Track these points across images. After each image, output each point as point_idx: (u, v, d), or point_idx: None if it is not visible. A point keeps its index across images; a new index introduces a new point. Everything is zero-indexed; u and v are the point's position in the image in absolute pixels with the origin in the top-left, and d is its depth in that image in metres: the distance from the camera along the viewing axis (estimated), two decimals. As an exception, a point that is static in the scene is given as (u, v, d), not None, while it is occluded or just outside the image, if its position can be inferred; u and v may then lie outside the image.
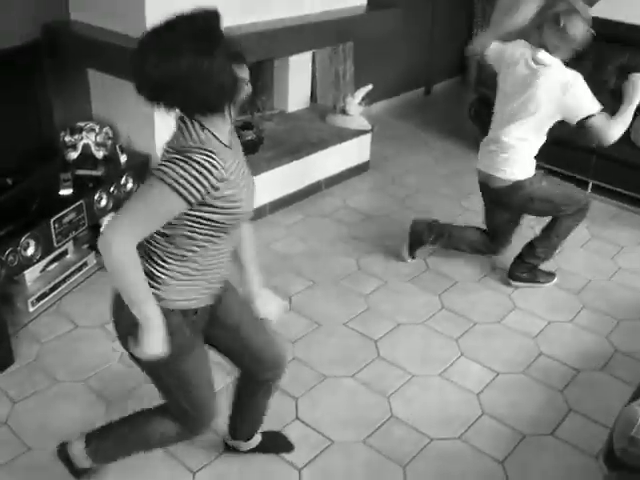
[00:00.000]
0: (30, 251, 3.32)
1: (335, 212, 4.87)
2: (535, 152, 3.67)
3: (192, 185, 1.80)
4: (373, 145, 5.50)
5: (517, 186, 3.66)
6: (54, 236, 3.45)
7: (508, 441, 3.01)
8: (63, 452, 2.52)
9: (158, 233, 1.98)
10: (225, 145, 1.95)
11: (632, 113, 3.52)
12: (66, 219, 3.50)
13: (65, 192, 3.59)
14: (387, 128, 6.22)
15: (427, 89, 7.46)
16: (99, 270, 3.94)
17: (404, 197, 5.14)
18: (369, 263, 4.26)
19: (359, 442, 2.96)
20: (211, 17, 1.82)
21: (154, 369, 2.18)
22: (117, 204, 3.82)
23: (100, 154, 3.91)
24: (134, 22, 3.49)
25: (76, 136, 3.87)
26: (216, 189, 1.86)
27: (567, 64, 3.53)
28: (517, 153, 3.61)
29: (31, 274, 3.56)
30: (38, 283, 3.60)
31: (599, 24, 5.56)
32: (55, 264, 3.72)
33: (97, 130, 3.93)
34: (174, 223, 1.92)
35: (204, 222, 1.94)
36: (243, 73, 1.91)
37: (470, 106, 5.82)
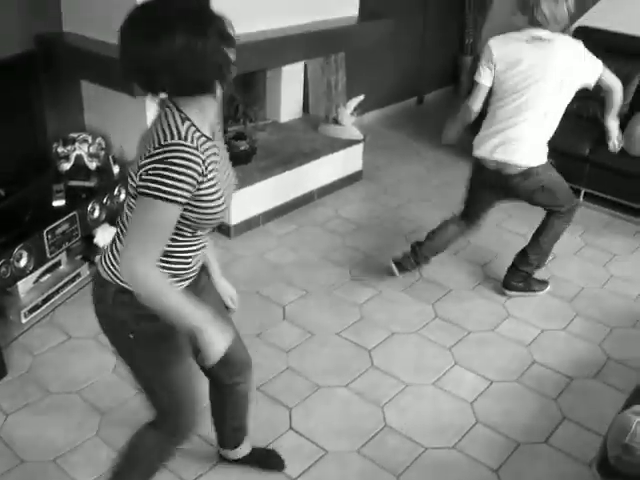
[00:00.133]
0: (23, 262, 3.31)
1: (328, 222, 4.87)
2: (548, 138, 3.69)
3: (180, 188, 1.77)
4: (365, 155, 5.51)
5: (530, 172, 3.67)
6: (47, 247, 3.45)
7: (502, 450, 3.01)
8: None
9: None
10: (207, 138, 1.92)
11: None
12: (59, 230, 3.50)
13: (58, 203, 3.59)
14: (379, 138, 6.24)
15: (419, 99, 7.48)
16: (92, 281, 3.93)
17: (396, 207, 5.15)
18: (362, 273, 4.27)
19: (353, 452, 2.95)
20: None
21: (143, 367, 2.14)
22: (110, 215, 3.82)
23: (93, 165, 3.91)
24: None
25: (69, 147, 3.87)
26: (200, 183, 1.83)
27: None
28: (532, 139, 3.63)
29: (24, 285, 3.55)
30: (31, 294, 3.60)
31: (590, 33, 5.65)
32: (48, 275, 3.71)
33: (90, 141, 3.94)
34: None
35: (185, 222, 1.91)
36: (232, 55, 1.87)
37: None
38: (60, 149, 3.87)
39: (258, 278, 4.13)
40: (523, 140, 3.61)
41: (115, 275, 2.00)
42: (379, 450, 2.97)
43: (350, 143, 5.29)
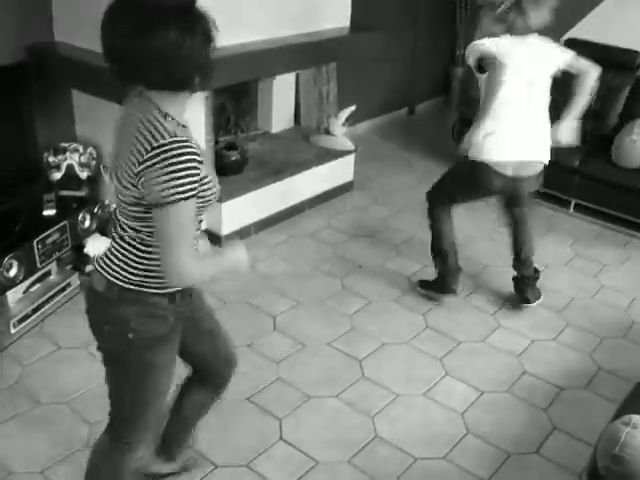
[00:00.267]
0: (13, 272, 3.31)
1: (319, 232, 4.88)
2: None
3: (192, 182, 1.80)
4: (357, 165, 5.52)
5: (542, 171, 3.74)
6: (37, 257, 3.44)
7: (493, 460, 3.01)
8: None
9: (133, 228, 1.97)
10: (183, 125, 1.93)
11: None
12: (49, 240, 3.50)
13: (49, 213, 3.59)
14: (371, 148, 6.25)
15: (410, 109, 7.50)
16: (82, 291, 3.92)
17: (387, 217, 5.16)
18: (353, 283, 4.27)
19: (344, 462, 2.95)
20: None
21: (122, 354, 2.10)
22: (101, 225, 3.82)
23: (84, 175, 3.91)
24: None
25: (60, 156, 3.87)
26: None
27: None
28: (546, 134, 3.69)
29: (14, 295, 3.53)
30: (21, 304, 3.58)
31: (581, 45, 5.68)
32: (38, 285, 3.69)
33: (81, 151, 3.93)
34: (149, 212, 1.89)
35: None
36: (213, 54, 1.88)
37: (453, 126, 5.86)
38: (51, 158, 3.86)
39: (249, 288, 4.12)
40: (541, 136, 3.65)
41: (119, 274, 2.01)
42: (370, 460, 2.97)
43: (341, 153, 5.29)
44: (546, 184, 5.21)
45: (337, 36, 4.70)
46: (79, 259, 3.94)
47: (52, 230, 3.51)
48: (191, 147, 1.82)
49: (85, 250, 3.88)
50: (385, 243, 4.76)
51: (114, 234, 2.06)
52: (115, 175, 1.93)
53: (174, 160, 1.78)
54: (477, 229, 4.93)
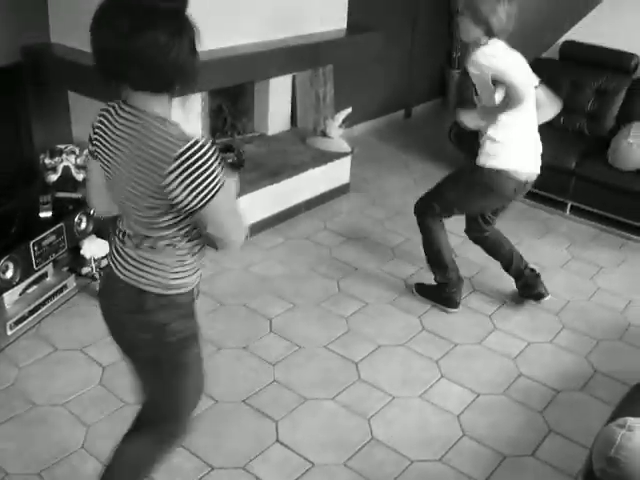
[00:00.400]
0: (9, 274, 3.30)
1: (315, 234, 4.88)
2: None
3: (219, 163, 1.87)
4: (353, 167, 5.52)
5: None
6: (34, 259, 3.44)
7: (489, 462, 3.01)
8: None
9: (163, 237, 2.00)
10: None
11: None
12: (46, 242, 3.49)
13: (45, 215, 3.58)
14: (367, 150, 6.25)
15: (407, 111, 7.50)
16: (79, 293, 3.92)
17: (384, 219, 5.16)
18: (350, 285, 4.27)
19: (340, 464, 2.95)
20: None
21: (163, 358, 2.14)
22: (97, 227, 3.82)
23: (80, 176, 3.91)
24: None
25: (56, 158, 3.86)
26: None
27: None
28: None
29: (10, 297, 3.53)
30: (17, 306, 3.58)
31: (577, 47, 5.70)
32: (34, 287, 3.69)
33: (77, 152, 3.93)
34: (181, 216, 1.94)
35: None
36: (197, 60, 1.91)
37: (450, 128, 5.86)
38: (47, 160, 3.86)
39: (245, 291, 4.12)
40: (539, 144, 3.68)
41: (154, 282, 2.04)
42: (366, 463, 2.97)
43: (338, 155, 5.30)
44: (543, 186, 5.24)
45: (333, 38, 4.70)
46: (75, 261, 3.94)
47: (48, 232, 3.50)
48: (200, 138, 1.85)
49: (81, 252, 3.88)
50: (381, 245, 4.77)
51: (126, 244, 2.06)
52: (123, 193, 1.95)
53: (201, 160, 1.82)
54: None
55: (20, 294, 3.61)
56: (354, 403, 3.31)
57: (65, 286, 3.84)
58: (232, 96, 5.15)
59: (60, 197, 3.75)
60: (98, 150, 2.01)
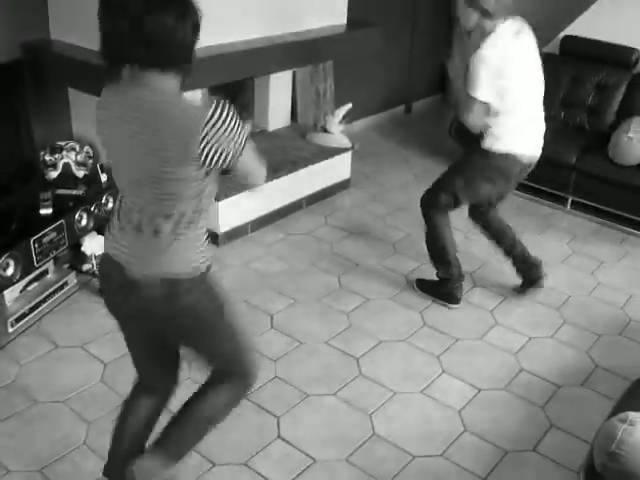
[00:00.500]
0: (10, 271, 3.30)
1: (316, 230, 4.88)
2: None
3: (239, 116, 2.00)
4: (354, 163, 5.52)
5: None
6: (34, 256, 3.44)
7: (490, 457, 3.01)
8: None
9: (183, 213, 2.07)
10: None
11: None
12: (46, 239, 3.49)
13: (45, 211, 3.58)
14: (368, 146, 6.24)
15: (407, 107, 7.49)
16: (80, 290, 3.92)
17: (385, 215, 5.16)
18: (351, 281, 4.27)
19: (341, 460, 2.95)
20: None
21: (227, 327, 2.34)
22: (98, 223, 3.82)
23: (80, 173, 3.91)
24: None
25: (56, 155, 3.86)
26: None
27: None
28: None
29: (11, 294, 3.53)
30: (18, 303, 3.58)
31: (577, 42, 5.69)
32: (35, 284, 3.69)
33: (77, 149, 3.93)
34: (200, 181, 2.02)
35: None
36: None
37: (450, 124, 5.85)
38: (47, 157, 3.86)
39: (246, 287, 4.12)
40: (543, 127, 3.71)
41: (197, 260, 2.16)
42: (367, 458, 2.97)
43: (338, 151, 5.29)
44: (543, 181, 5.26)
45: (333, 34, 4.69)
46: (76, 258, 3.94)
47: (49, 229, 3.50)
48: (216, 98, 1.96)
49: (82, 249, 3.88)
50: (382, 241, 4.77)
51: (143, 233, 2.10)
52: (139, 172, 2.01)
53: (228, 118, 1.93)
54: (473, 225, 4.93)
55: (21, 291, 3.61)
56: (355, 399, 3.31)
57: (66, 283, 3.85)
58: (232, 92, 5.13)
59: (60, 194, 3.75)
60: (106, 136, 2.08)
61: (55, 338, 3.58)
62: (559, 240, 4.92)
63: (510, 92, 3.51)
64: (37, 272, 3.63)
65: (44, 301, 3.70)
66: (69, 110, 4.25)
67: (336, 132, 5.30)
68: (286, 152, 5.10)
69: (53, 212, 3.59)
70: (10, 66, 3.53)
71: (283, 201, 4.97)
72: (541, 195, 5.40)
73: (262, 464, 2.91)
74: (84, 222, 3.75)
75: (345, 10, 4.90)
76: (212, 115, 1.89)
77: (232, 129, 1.95)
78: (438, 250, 3.98)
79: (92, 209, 3.77)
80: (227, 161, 1.98)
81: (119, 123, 2.00)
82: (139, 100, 1.96)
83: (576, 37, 5.73)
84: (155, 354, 2.46)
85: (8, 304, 3.53)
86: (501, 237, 4.11)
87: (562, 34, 5.84)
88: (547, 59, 5.54)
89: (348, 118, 5.47)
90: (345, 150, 5.33)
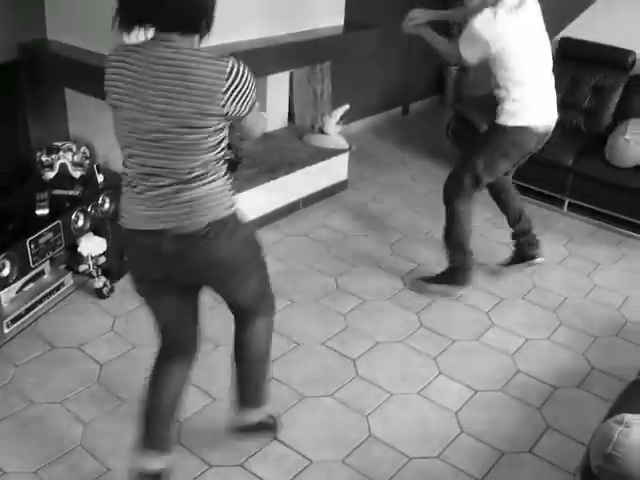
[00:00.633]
0: (6, 272, 3.29)
1: (313, 231, 4.87)
2: None
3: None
4: (351, 164, 5.52)
5: None
6: (30, 256, 3.43)
7: (487, 459, 3.01)
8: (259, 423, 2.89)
9: (207, 162, 2.23)
10: None
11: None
12: (42, 239, 3.48)
13: (41, 212, 3.57)
14: (365, 147, 6.25)
15: (405, 108, 7.49)
16: (76, 290, 3.91)
17: (382, 216, 5.16)
18: (347, 282, 4.27)
19: (338, 462, 2.95)
20: None
21: (261, 258, 2.59)
22: (94, 224, 3.81)
23: (77, 174, 3.90)
24: (110, 42, 3.48)
25: (53, 156, 3.85)
26: None
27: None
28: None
29: (7, 295, 3.52)
30: (14, 304, 3.57)
31: (574, 44, 5.70)
32: (31, 285, 3.68)
33: (74, 150, 3.92)
34: (222, 128, 2.20)
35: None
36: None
37: (447, 125, 5.86)
38: (44, 158, 3.85)
39: (243, 287, 4.11)
40: (554, 96, 3.78)
41: (231, 201, 2.32)
42: (364, 460, 2.97)
43: (335, 152, 5.29)
44: (540, 183, 5.26)
45: (331, 35, 4.69)
46: (73, 258, 3.93)
47: (45, 229, 3.49)
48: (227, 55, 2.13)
49: (79, 249, 3.87)
50: (379, 242, 4.77)
51: (166, 193, 2.21)
52: (162, 128, 2.11)
53: (244, 73, 2.14)
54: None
55: (17, 292, 3.60)
56: (352, 400, 3.31)
57: (62, 284, 3.84)
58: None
59: (57, 194, 3.74)
60: (120, 98, 2.14)
61: (51, 339, 3.57)
62: (556, 242, 4.92)
63: (516, 67, 3.60)
64: (33, 273, 3.62)
65: (40, 302, 3.70)
66: (66, 110, 4.24)
67: (333, 133, 5.30)
68: (283, 153, 5.10)
69: (49, 212, 3.58)
70: (7, 66, 3.53)
71: (280, 202, 4.97)
72: (538, 197, 5.40)
73: (259, 465, 2.90)
74: (81, 223, 3.74)
75: (343, 11, 4.90)
76: (231, 70, 2.08)
77: (250, 81, 2.15)
78: (459, 240, 4.03)
79: (89, 210, 3.77)
80: (246, 110, 2.19)
81: (141, 79, 2.09)
82: (164, 59, 2.07)
83: (573, 39, 5.74)
84: (186, 312, 2.58)
85: (4, 305, 3.52)
86: (508, 206, 4.23)
87: (559, 36, 5.84)
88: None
89: (345, 119, 5.47)
90: (342, 151, 5.33)
